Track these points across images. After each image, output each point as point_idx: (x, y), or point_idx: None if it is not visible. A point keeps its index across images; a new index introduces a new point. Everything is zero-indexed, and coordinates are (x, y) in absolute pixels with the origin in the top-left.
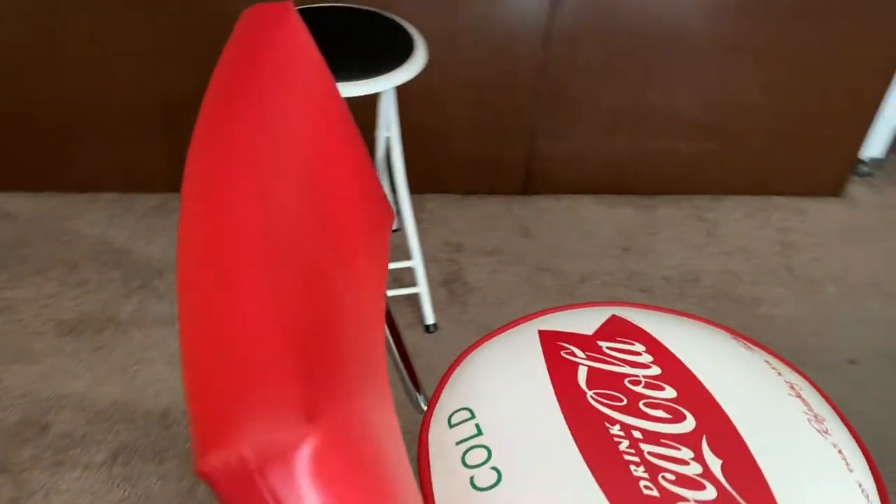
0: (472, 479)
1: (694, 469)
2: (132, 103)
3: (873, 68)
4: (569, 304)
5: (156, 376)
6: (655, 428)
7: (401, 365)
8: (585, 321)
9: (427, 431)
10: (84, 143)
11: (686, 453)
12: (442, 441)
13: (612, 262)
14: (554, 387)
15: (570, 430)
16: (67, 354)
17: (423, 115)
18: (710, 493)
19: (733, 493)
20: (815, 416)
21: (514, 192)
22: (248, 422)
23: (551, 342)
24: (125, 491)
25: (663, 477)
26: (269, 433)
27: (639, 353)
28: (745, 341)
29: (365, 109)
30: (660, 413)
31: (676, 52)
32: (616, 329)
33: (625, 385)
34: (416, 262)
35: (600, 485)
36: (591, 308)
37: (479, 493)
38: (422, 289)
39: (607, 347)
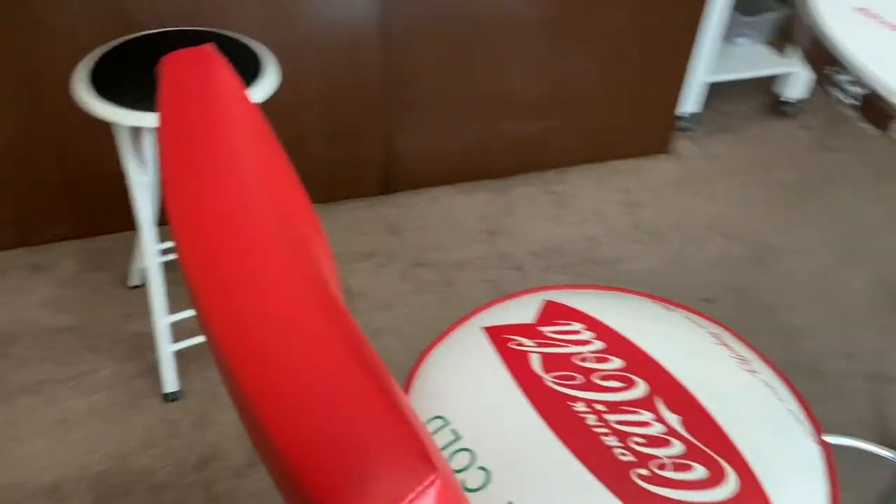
0: (462, 483)
1: (658, 428)
2: None
3: (679, 30)
4: (500, 297)
5: (35, 450)
6: (613, 398)
7: None
8: (522, 311)
9: None
10: None
11: (647, 416)
12: None
13: (482, 246)
14: (515, 378)
15: (541, 415)
16: None
17: (276, 129)
18: (678, 447)
19: (697, 443)
20: (741, 359)
21: (377, 193)
22: (377, 475)
23: (498, 336)
24: None
25: (633, 441)
26: (401, 483)
27: (579, 332)
28: (664, 303)
29: None
30: (613, 383)
31: (508, 36)
32: (553, 313)
33: (575, 364)
34: None
35: (581, 460)
36: (522, 297)
37: (472, 494)
38: None
39: (550, 332)
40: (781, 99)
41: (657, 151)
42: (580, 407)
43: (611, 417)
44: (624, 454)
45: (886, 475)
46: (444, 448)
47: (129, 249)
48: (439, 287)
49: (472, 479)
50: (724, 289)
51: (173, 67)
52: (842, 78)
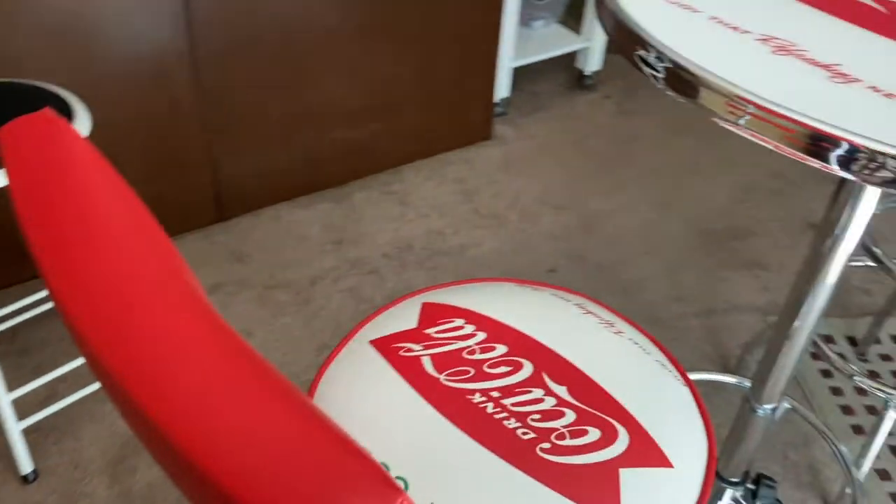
0: None
1: (550, 402)
2: None
3: (483, 21)
4: (379, 307)
5: None
6: (505, 382)
7: None
8: (403, 318)
9: None
10: None
11: (538, 392)
12: None
13: (332, 257)
14: (411, 385)
15: (444, 414)
16: None
17: None
18: (571, 416)
19: (586, 408)
20: (607, 323)
21: (212, 222)
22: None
23: (387, 347)
24: None
25: (531, 419)
26: None
27: (462, 327)
28: (529, 285)
29: None
30: (503, 369)
31: (321, 47)
32: (433, 314)
33: (465, 358)
34: None
35: (489, 448)
36: (399, 304)
37: None
38: None
39: (435, 332)
40: (583, 73)
41: (482, 139)
42: (478, 398)
43: (507, 401)
44: (526, 433)
45: (734, 399)
46: None
47: None
48: (297, 306)
49: None
50: (563, 257)
51: (14, 136)
52: (646, 54)
